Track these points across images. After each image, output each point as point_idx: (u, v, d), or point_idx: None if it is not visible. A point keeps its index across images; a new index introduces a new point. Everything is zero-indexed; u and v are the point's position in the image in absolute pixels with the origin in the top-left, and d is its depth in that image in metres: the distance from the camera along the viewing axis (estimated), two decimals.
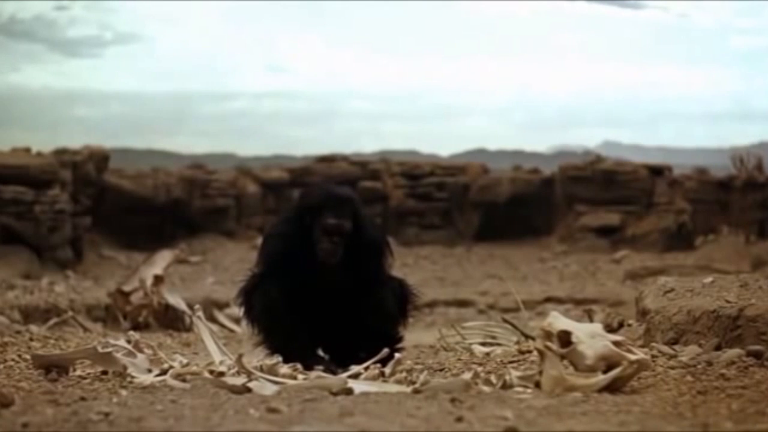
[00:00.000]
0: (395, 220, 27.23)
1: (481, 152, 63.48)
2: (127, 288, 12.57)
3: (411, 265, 22.64)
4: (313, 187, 6.26)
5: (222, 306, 15.64)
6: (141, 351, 5.65)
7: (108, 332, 10.85)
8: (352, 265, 5.83)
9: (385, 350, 5.54)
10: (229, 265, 22.61)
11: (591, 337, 4.81)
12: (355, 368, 5.40)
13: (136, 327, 11.20)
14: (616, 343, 4.85)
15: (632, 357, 4.79)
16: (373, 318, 5.88)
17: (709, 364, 5.29)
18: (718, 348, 5.61)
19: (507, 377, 4.96)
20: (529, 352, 6.08)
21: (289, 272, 5.81)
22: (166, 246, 18.37)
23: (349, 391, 4.72)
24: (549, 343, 4.81)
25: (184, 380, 5.10)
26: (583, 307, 12.37)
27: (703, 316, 5.87)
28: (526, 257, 24.97)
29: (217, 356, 5.63)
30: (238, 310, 6.38)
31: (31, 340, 8.39)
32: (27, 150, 21.60)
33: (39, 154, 21.67)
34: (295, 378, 5.10)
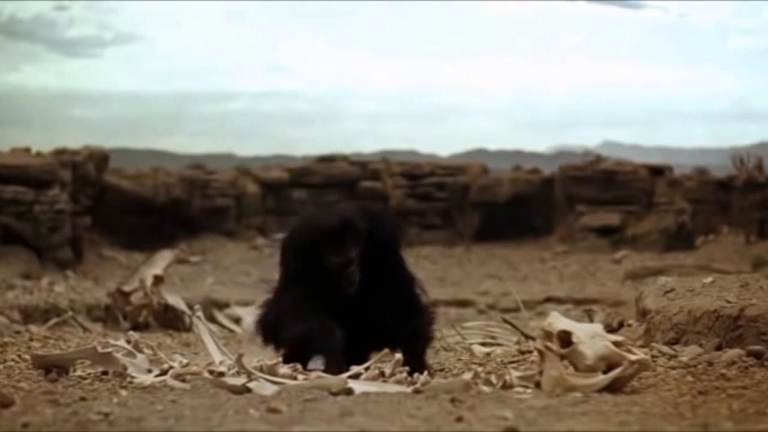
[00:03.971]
0: None
1: (481, 152, 63.43)
2: (127, 288, 12.57)
3: (411, 265, 22.57)
4: (305, 222, 5.96)
5: (222, 306, 15.64)
6: (141, 351, 5.65)
7: (108, 332, 10.85)
8: (372, 265, 5.72)
9: (386, 350, 5.51)
10: (229, 265, 22.62)
11: (591, 338, 4.81)
12: (355, 368, 5.40)
13: (136, 327, 11.21)
14: (616, 344, 4.85)
15: (632, 357, 4.79)
16: (403, 315, 5.76)
17: (710, 364, 5.29)
18: (718, 348, 5.61)
19: (507, 377, 4.96)
20: (529, 352, 6.08)
21: (311, 280, 5.72)
22: (166, 246, 18.36)
23: (349, 391, 4.72)
24: (549, 343, 4.81)
25: (184, 380, 5.09)
26: (583, 307, 12.38)
27: (703, 316, 5.86)
28: (526, 257, 24.97)
29: (217, 356, 5.63)
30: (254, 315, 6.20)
31: (31, 340, 8.39)
32: (27, 150, 21.59)
33: (39, 154, 21.66)
34: (295, 378, 5.09)
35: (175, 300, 12.45)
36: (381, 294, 5.76)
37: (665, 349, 5.74)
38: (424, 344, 5.85)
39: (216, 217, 26.20)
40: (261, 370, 5.09)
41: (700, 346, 5.69)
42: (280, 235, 6.18)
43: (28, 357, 6.22)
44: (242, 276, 21.20)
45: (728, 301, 5.89)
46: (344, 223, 5.70)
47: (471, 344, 7.24)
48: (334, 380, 4.90)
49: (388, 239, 5.90)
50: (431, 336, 5.94)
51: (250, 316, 13.23)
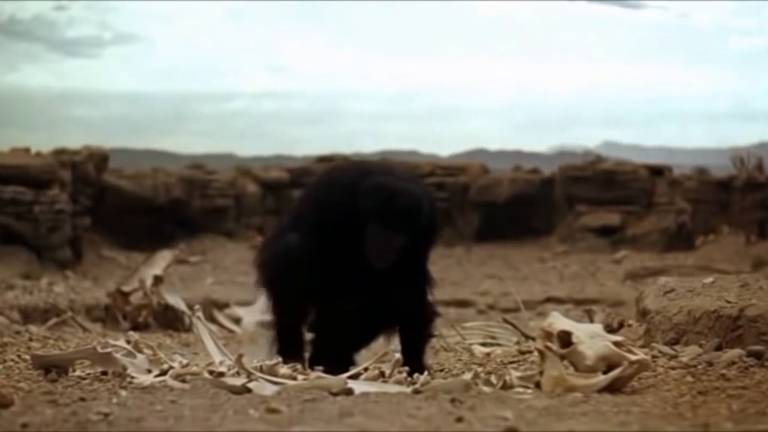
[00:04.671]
0: None
1: (481, 152, 63.47)
2: (126, 288, 12.56)
3: None
4: (372, 179, 5.35)
5: (222, 306, 15.62)
6: (140, 351, 5.64)
7: (107, 332, 10.83)
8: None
9: (385, 350, 5.51)
10: (229, 265, 22.59)
11: (591, 338, 4.81)
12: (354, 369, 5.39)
13: (136, 327, 11.20)
14: (617, 344, 4.85)
15: (632, 357, 4.79)
16: (407, 309, 5.59)
17: (710, 364, 5.29)
18: (718, 348, 5.60)
19: (507, 378, 4.96)
20: (530, 352, 6.07)
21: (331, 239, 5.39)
22: (165, 246, 18.35)
23: (349, 392, 4.72)
24: (549, 344, 4.80)
25: (183, 381, 5.09)
26: (584, 307, 12.36)
27: (703, 316, 5.86)
28: (526, 257, 24.96)
29: (216, 356, 5.62)
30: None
31: (31, 340, 8.38)
32: (26, 150, 21.58)
33: (38, 154, 21.64)
34: (294, 378, 5.09)
35: (175, 300, 12.45)
36: (394, 280, 5.51)
37: (665, 349, 5.73)
38: (424, 343, 5.78)
39: (216, 217, 26.20)
40: (261, 370, 5.08)
41: (700, 346, 5.69)
42: None
43: (27, 357, 6.21)
44: (242, 276, 21.15)
45: (728, 301, 5.88)
46: (417, 201, 5.33)
47: (471, 344, 7.24)
48: (333, 380, 4.90)
49: (431, 232, 5.67)
50: (430, 335, 5.84)
51: (250, 315, 13.25)
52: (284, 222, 5.87)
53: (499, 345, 7.21)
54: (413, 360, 5.47)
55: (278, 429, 3.72)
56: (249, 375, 4.98)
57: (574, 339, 4.77)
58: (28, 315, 13.35)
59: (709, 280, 6.61)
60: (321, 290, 5.50)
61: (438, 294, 6.04)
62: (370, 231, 5.32)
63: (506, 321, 8.07)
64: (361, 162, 6.13)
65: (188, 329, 11.38)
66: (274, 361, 5.29)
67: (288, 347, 5.61)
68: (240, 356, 5.13)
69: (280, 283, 5.59)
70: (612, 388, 4.69)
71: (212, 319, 13.70)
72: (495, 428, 3.73)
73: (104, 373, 5.49)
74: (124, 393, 4.80)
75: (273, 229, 5.96)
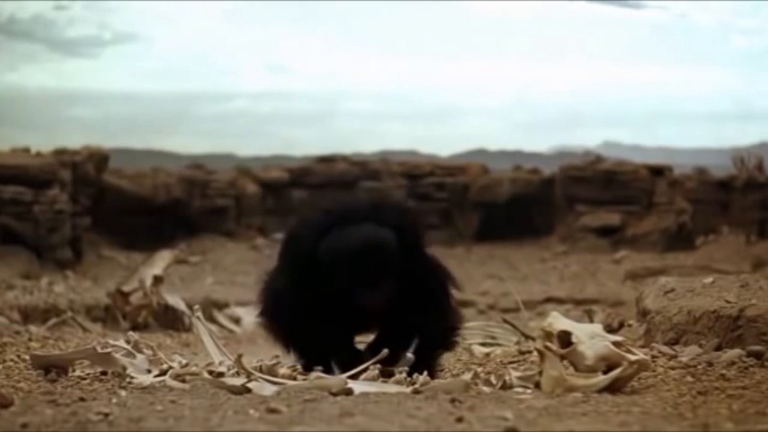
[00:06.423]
0: None
1: (481, 152, 63.40)
2: (126, 288, 12.58)
3: None
4: (334, 244, 5.10)
5: (221, 306, 15.64)
6: (140, 351, 5.64)
7: (107, 332, 10.85)
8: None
9: (385, 351, 5.43)
10: (229, 265, 22.60)
11: (591, 338, 4.81)
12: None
13: (136, 327, 11.22)
14: (616, 344, 4.85)
15: (632, 357, 4.79)
16: (419, 318, 5.34)
17: (710, 364, 5.29)
18: (718, 348, 5.60)
19: (507, 378, 4.96)
20: (529, 352, 6.07)
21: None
22: (165, 246, 18.35)
23: (348, 392, 4.71)
24: (549, 344, 4.80)
25: (183, 381, 5.08)
26: (584, 307, 12.39)
27: (703, 316, 5.86)
28: (526, 257, 24.96)
29: (216, 357, 5.62)
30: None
31: (30, 340, 8.38)
32: (26, 150, 21.59)
33: (38, 154, 21.65)
34: (294, 378, 5.09)
35: (175, 300, 12.47)
36: (400, 296, 5.29)
37: (665, 349, 5.73)
38: (435, 352, 5.44)
39: (216, 217, 26.20)
40: (260, 370, 5.08)
41: (700, 346, 5.69)
42: (279, 235, 6.03)
43: (27, 357, 6.21)
44: (242, 276, 21.19)
45: (728, 301, 5.88)
46: (383, 258, 5.13)
47: (471, 344, 7.24)
48: (333, 380, 4.89)
49: (413, 245, 5.49)
50: (447, 342, 5.47)
51: (249, 316, 13.26)
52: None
53: (499, 345, 7.21)
54: (421, 367, 5.18)
55: (278, 429, 3.72)
56: (249, 375, 4.98)
57: (574, 339, 4.77)
58: (28, 315, 13.37)
59: (709, 280, 6.61)
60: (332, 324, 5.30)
61: None
62: (350, 291, 5.13)
63: (506, 321, 8.08)
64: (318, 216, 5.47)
65: (188, 329, 11.40)
66: (273, 361, 5.28)
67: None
68: (240, 356, 5.13)
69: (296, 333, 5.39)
70: (612, 388, 4.69)
71: (212, 319, 13.73)
72: (495, 428, 3.73)
73: (104, 373, 5.49)
74: (124, 393, 4.80)
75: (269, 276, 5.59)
